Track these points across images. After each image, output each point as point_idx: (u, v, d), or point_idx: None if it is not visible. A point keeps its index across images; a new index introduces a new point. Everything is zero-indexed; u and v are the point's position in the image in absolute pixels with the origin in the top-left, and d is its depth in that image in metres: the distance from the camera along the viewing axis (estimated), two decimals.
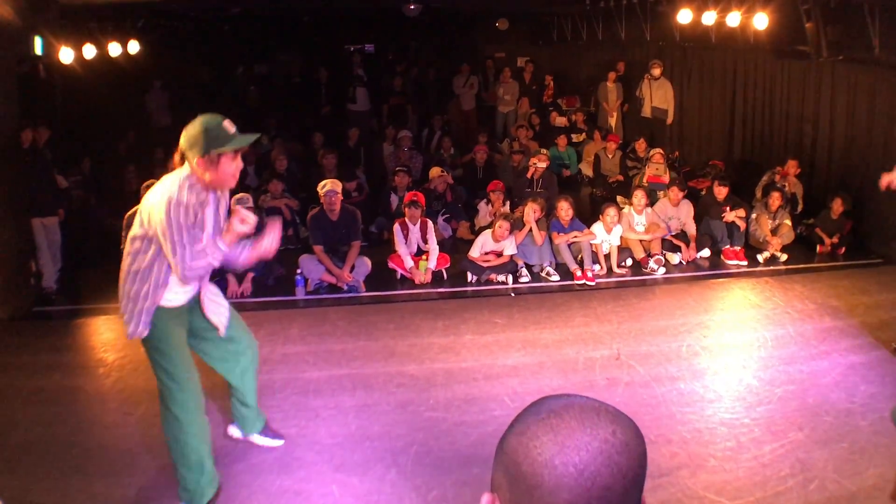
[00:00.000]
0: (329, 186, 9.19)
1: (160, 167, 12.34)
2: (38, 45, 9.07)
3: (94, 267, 10.05)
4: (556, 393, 1.31)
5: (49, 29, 9.32)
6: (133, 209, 8.33)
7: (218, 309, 4.84)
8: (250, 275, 9.07)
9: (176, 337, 4.63)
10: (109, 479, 5.16)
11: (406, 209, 9.59)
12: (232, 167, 4.33)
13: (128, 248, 4.47)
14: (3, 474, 5.13)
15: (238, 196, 9.26)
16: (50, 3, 9.24)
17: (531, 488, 1.21)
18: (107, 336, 7.95)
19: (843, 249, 10.35)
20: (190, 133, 4.21)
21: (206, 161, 4.20)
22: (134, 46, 12.71)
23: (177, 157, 4.35)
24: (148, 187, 8.17)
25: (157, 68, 15.55)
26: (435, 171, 11.86)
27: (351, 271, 9.19)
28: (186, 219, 4.20)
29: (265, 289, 9.23)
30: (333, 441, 5.59)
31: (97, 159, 13.17)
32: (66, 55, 10.03)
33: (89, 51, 10.95)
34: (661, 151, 12.78)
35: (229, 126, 4.28)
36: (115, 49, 11.96)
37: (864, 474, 5.08)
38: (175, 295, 4.57)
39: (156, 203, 4.20)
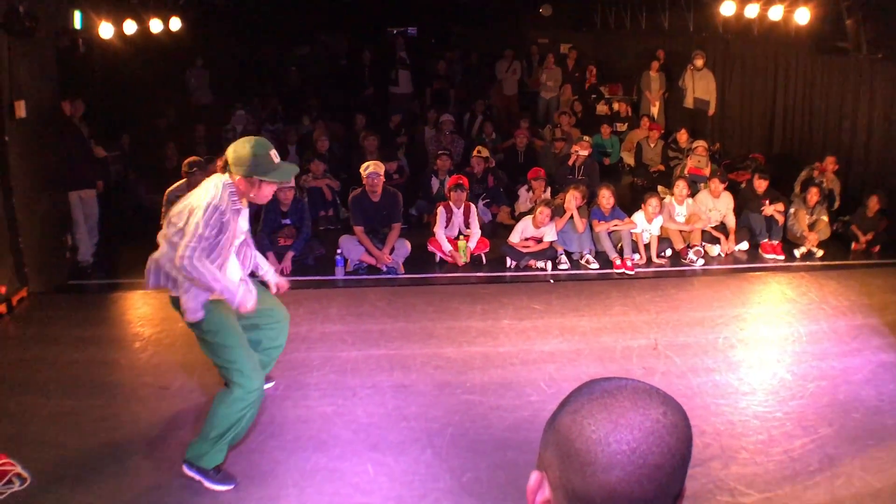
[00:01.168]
0: (372, 168, 9.22)
1: (200, 145, 12.49)
2: (77, 20, 9.11)
3: (132, 242, 9.97)
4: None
5: (89, 3, 9.37)
6: (175, 184, 8.49)
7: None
8: (290, 254, 9.16)
9: (231, 319, 4.86)
10: (141, 452, 5.25)
11: (451, 193, 9.68)
12: (269, 191, 4.78)
13: (166, 235, 4.68)
14: (35, 445, 5.19)
15: None
16: None
17: (584, 465, 1.22)
18: (143, 311, 8.09)
19: (878, 248, 10.34)
20: (239, 153, 4.58)
21: (248, 182, 4.62)
22: (175, 23, 12.60)
23: (220, 163, 4.69)
24: (191, 164, 8.41)
25: (198, 46, 15.54)
26: (475, 152, 11.99)
27: (391, 253, 9.26)
28: (216, 227, 4.50)
29: (305, 268, 9.31)
30: (370, 420, 5.69)
31: (136, 135, 13.23)
32: (105, 30, 10.01)
33: (130, 26, 10.89)
34: (705, 144, 12.79)
35: (275, 157, 4.68)
36: (156, 26, 11.84)
37: (888, 472, 5.16)
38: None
39: (199, 205, 4.48)
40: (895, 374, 6.63)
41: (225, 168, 4.65)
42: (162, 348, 6.93)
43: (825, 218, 10.51)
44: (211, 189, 4.56)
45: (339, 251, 9.24)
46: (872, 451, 5.41)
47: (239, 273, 4.93)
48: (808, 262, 10.01)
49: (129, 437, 5.44)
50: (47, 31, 8.40)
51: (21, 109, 7.86)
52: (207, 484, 4.81)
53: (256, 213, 9.73)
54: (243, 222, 4.87)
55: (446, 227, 9.73)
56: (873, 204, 10.37)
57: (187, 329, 4.62)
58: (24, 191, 8.07)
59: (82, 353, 6.81)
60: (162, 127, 14.03)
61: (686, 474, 1.29)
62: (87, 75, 12.25)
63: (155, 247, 4.73)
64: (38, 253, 8.38)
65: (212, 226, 4.45)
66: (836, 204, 11.37)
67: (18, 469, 4.73)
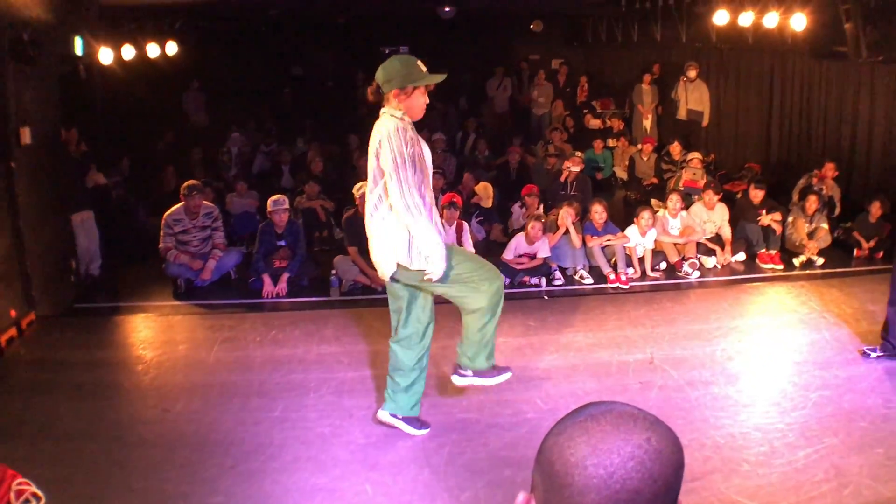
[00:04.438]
0: (365, 188, 9.15)
1: (197, 167, 12.65)
2: (78, 46, 9.16)
3: (133, 265, 10.21)
4: (593, 399, 1.35)
5: (89, 30, 9.44)
6: (173, 208, 8.83)
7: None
8: (286, 275, 9.15)
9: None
10: (148, 474, 5.24)
11: (444, 211, 9.56)
12: (421, 101, 5.06)
13: (371, 205, 5.13)
14: (47, 466, 5.19)
15: (274, 198, 9.38)
16: (90, 4, 9.38)
17: (561, 487, 1.23)
18: (145, 334, 8.08)
19: (882, 254, 10.21)
20: (388, 69, 4.98)
21: (402, 93, 4.96)
22: (172, 47, 12.89)
23: (370, 90, 5.13)
24: (189, 188, 8.53)
25: (194, 69, 15.72)
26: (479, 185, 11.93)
27: None
28: (408, 149, 4.83)
29: (300, 289, 9.28)
30: (367, 441, 5.63)
31: (136, 159, 13.33)
32: (105, 56, 10.16)
33: (128, 51, 11.10)
34: (699, 156, 12.72)
35: (422, 65, 5.01)
36: (153, 50, 12.14)
37: None
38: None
39: (382, 141, 4.91)
40: None
41: (377, 92, 5.08)
42: (163, 371, 6.95)
43: (825, 226, 10.38)
44: (380, 128, 4.97)
45: (333, 272, 9.22)
46: (881, 459, 5.29)
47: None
48: (808, 271, 9.89)
49: (135, 459, 5.45)
50: (50, 58, 8.51)
51: (26, 136, 7.97)
52: (407, 429, 5.61)
53: (252, 235, 10.02)
54: (427, 152, 5.16)
55: None
56: (875, 209, 10.27)
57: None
58: (31, 216, 8.17)
59: (89, 376, 6.83)
60: (160, 150, 14.22)
61: (675, 500, 1.28)
62: (89, 101, 12.46)
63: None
64: (44, 277, 8.46)
65: (407, 145, 4.82)
66: (837, 211, 11.27)
67: (34, 488, 4.76)
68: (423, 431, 5.66)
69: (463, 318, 5.40)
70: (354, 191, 9.27)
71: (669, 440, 1.27)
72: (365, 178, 9.56)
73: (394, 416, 5.62)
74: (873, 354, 6.90)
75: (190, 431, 5.80)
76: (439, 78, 5.10)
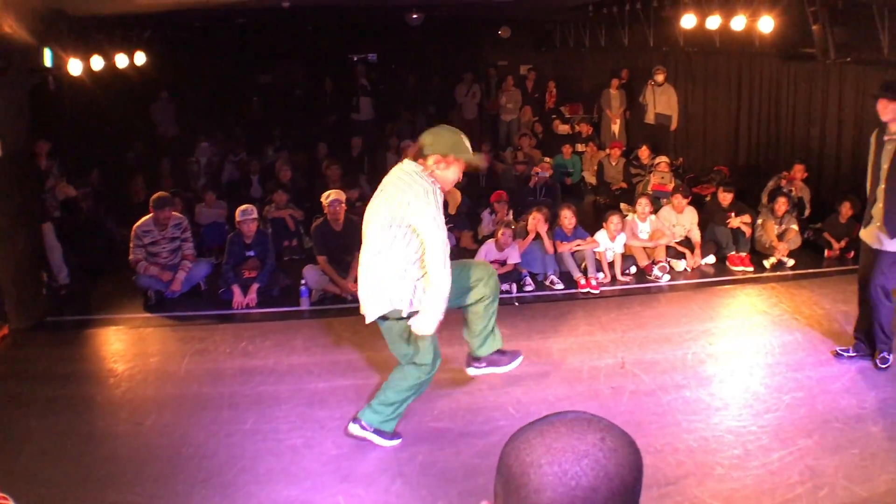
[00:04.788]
0: (333, 196, 9.19)
1: (166, 178, 12.60)
2: (47, 58, 9.09)
3: (104, 277, 10.07)
4: (565, 406, 1.46)
5: (58, 41, 9.36)
6: (142, 219, 9.11)
7: None
8: (255, 285, 9.06)
9: None
10: (121, 488, 5.22)
11: None
12: (456, 174, 5.13)
13: (376, 247, 5.09)
14: (20, 481, 5.15)
15: (242, 208, 9.30)
16: (59, 15, 9.30)
17: (518, 488, 1.25)
18: (116, 346, 8.01)
19: (852, 254, 10.18)
20: (437, 135, 5.06)
21: (443, 160, 4.98)
22: (140, 57, 12.83)
23: (412, 151, 5.14)
24: (157, 199, 8.45)
25: (163, 79, 15.63)
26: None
27: (355, 281, 9.06)
28: (439, 213, 4.91)
29: (270, 299, 9.20)
30: (339, 451, 5.60)
31: (105, 170, 13.19)
32: (74, 67, 10.04)
33: (97, 62, 11.00)
34: (667, 160, 12.73)
35: (467, 142, 5.11)
36: (122, 60, 12.08)
37: (875, 480, 5.03)
38: None
39: (415, 202, 4.86)
40: (876, 381, 6.51)
41: (417, 155, 5.03)
42: (135, 384, 6.90)
43: (795, 227, 10.40)
44: (407, 180, 4.97)
45: (303, 282, 9.10)
46: (856, 460, 5.29)
47: None
48: (778, 273, 9.88)
49: (109, 474, 5.42)
50: (20, 70, 8.45)
51: None
52: (379, 441, 5.56)
53: (221, 245, 10.00)
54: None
55: None
56: (846, 210, 10.27)
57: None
58: (3, 229, 8.15)
59: (62, 390, 6.77)
60: (130, 161, 14.13)
61: (636, 501, 1.29)
62: (59, 112, 12.42)
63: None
64: (16, 290, 8.40)
65: (439, 209, 4.88)
66: (807, 212, 11.30)
67: (11, 502, 4.64)
68: (395, 442, 5.63)
69: (466, 313, 5.69)
70: (323, 199, 9.26)
71: (624, 441, 1.29)
72: (334, 187, 9.63)
73: (365, 427, 5.59)
74: (846, 355, 6.88)
75: (162, 445, 5.77)
76: (480, 160, 5.57)
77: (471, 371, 5.88)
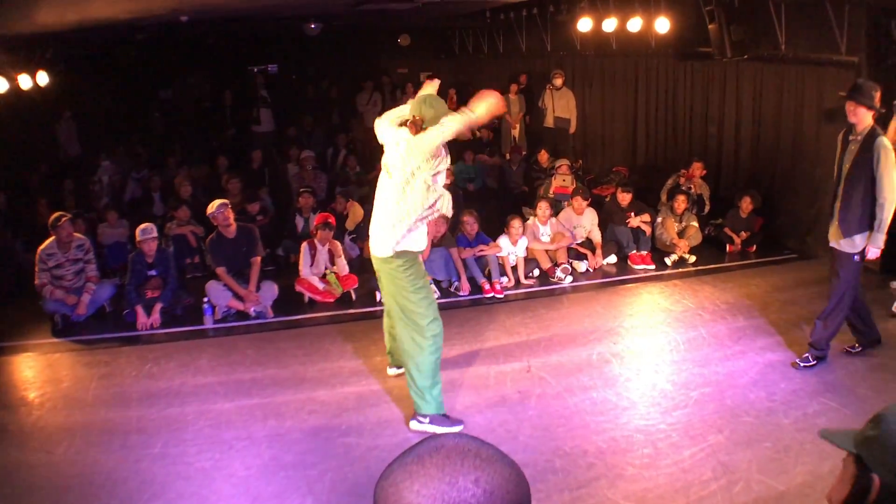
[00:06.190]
0: (217, 203, 9.07)
1: (69, 198, 12.27)
2: None
3: (11, 303, 9.76)
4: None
5: None
6: (46, 242, 8.89)
7: None
8: (158, 305, 8.87)
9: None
10: None
11: (319, 231, 9.39)
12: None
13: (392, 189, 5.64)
14: None
15: (141, 227, 9.17)
16: None
17: None
18: (27, 374, 7.79)
19: (755, 247, 10.45)
20: (438, 108, 5.55)
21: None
22: (43, 77, 12.56)
23: (413, 124, 5.57)
24: (57, 219, 8.17)
25: (65, 99, 15.28)
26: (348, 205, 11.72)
27: (257, 290, 8.98)
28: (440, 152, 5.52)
29: (174, 319, 9.01)
30: (248, 472, 5.51)
31: (12, 193, 12.85)
32: None
33: (1, 84, 10.92)
34: (567, 162, 12.74)
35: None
36: (25, 81, 11.88)
37: (791, 473, 5.05)
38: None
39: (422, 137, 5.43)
40: (785, 373, 6.59)
41: (419, 129, 5.51)
42: (45, 412, 6.73)
43: (695, 224, 10.53)
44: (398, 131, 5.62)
45: (205, 299, 8.88)
46: (770, 453, 5.32)
47: (424, 243, 5.90)
48: (680, 269, 9.99)
49: None
50: None
51: None
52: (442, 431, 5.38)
53: (123, 266, 9.85)
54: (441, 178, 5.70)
55: (311, 265, 9.41)
56: (746, 205, 10.48)
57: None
58: None
59: None
60: (34, 183, 13.72)
61: None
62: None
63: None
64: None
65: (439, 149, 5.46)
66: (707, 208, 11.43)
67: None
68: (457, 428, 5.86)
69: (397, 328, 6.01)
70: (208, 211, 9.12)
71: (504, 478, 1.19)
72: (235, 200, 9.61)
73: (421, 420, 5.93)
74: (853, 351, 6.88)
75: (74, 473, 5.63)
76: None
77: (390, 371, 6.59)
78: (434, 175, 5.56)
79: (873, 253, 6.28)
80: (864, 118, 6.18)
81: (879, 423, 1.83)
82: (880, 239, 6.19)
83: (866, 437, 1.85)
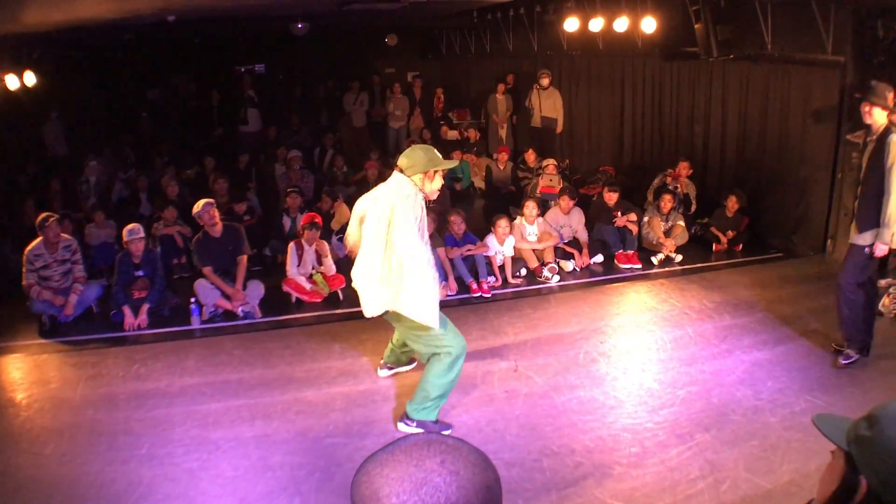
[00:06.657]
0: (202, 203, 9.01)
1: (56, 199, 12.21)
2: None
3: (0, 303, 9.68)
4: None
5: None
6: (33, 243, 8.82)
7: None
8: (146, 306, 8.81)
9: None
10: None
11: (305, 231, 9.35)
12: (439, 183, 5.66)
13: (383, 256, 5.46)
14: None
15: (129, 227, 9.07)
16: None
17: None
18: (14, 375, 7.73)
19: (741, 246, 10.47)
20: (412, 157, 5.52)
21: (427, 176, 5.52)
22: (30, 78, 12.50)
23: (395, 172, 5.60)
24: (44, 219, 8.11)
25: (52, 99, 15.22)
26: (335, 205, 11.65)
27: (244, 289, 8.95)
28: (419, 210, 5.37)
29: (162, 319, 8.95)
30: (236, 473, 5.48)
31: None
32: None
33: None
34: (554, 162, 12.76)
35: (438, 153, 5.65)
36: (12, 81, 11.84)
37: (778, 471, 5.06)
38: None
39: (399, 200, 5.33)
40: (772, 372, 6.59)
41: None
42: (33, 413, 6.69)
43: (681, 223, 10.55)
44: (399, 186, 5.45)
45: (193, 300, 8.83)
46: (757, 451, 5.32)
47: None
48: (667, 269, 9.99)
49: None
50: None
51: None
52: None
53: (110, 266, 9.75)
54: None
55: (298, 266, 9.37)
56: (732, 204, 10.51)
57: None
58: None
59: None
60: (22, 184, 13.75)
61: None
62: None
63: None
64: None
65: (419, 208, 5.34)
66: (693, 208, 11.46)
67: None
68: (445, 433, 5.61)
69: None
70: (194, 211, 9.05)
71: (469, 461, 1.26)
72: (222, 201, 9.54)
73: (409, 424, 5.88)
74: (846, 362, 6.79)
75: (62, 474, 5.61)
76: (454, 162, 6.27)
77: (381, 373, 6.76)
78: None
79: (881, 249, 6.27)
80: (878, 118, 6.23)
81: (874, 424, 1.78)
82: (887, 234, 6.18)
83: (859, 435, 1.80)
